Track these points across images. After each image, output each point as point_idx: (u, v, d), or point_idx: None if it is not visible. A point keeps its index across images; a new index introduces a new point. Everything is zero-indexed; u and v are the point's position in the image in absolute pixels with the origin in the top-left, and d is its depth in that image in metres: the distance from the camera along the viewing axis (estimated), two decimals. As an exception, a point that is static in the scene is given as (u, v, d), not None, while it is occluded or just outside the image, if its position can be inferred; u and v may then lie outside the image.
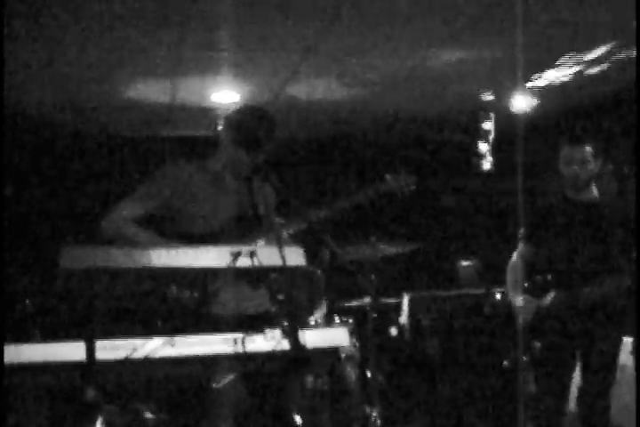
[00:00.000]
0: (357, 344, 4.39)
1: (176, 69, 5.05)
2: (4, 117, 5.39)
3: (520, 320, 3.51)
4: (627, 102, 5.62)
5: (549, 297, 3.46)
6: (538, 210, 3.63)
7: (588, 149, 3.45)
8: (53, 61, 4.78)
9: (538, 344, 3.43)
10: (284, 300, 2.21)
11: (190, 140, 6.66)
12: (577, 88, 5.66)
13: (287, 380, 2.65)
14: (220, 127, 2.97)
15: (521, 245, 3.72)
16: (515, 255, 3.76)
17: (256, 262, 2.15)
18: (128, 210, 2.83)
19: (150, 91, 5.56)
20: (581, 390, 3.52)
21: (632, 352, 2.96)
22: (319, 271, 4.18)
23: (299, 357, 2.12)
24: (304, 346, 2.13)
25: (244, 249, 2.17)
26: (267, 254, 2.20)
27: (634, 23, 3.97)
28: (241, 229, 2.87)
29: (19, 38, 4.26)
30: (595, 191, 3.57)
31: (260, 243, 2.79)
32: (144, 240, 2.74)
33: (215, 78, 5.29)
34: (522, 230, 3.69)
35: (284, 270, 2.19)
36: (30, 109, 5.85)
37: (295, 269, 2.22)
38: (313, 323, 4.41)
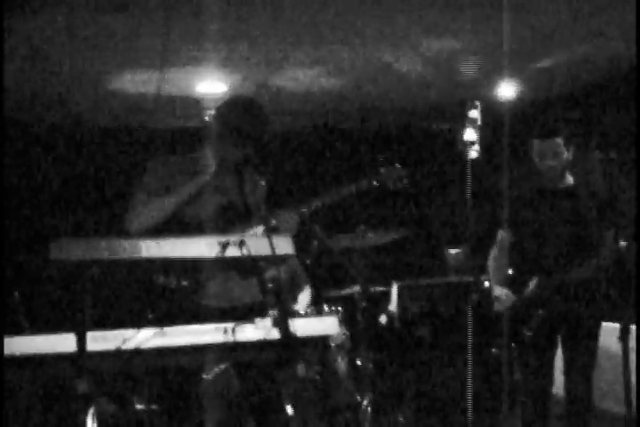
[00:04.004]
0: (347, 333, 4.41)
1: (162, 60, 5.03)
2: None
3: (498, 310, 3.58)
4: (613, 89, 5.66)
5: (532, 283, 3.51)
6: (515, 200, 3.67)
7: (559, 140, 3.46)
8: (39, 53, 4.75)
9: (528, 332, 3.47)
10: (274, 289, 2.22)
11: (177, 130, 6.63)
12: (563, 76, 5.68)
13: (278, 369, 2.66)
14: (207, 118, 2.95)
15: (500, 235, 3.76)
16: (495, 247, 3.80)
17: (245, 252, 2.16)
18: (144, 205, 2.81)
19: (136, 81, 5.54)
20: (564, 373, 3.58)
21: (620, 338, 2.97)
22: (296, 258, 4.15)
23: (289, 345, 2.14)
24: (294, 335, 2.14)
25: (233, 239, 2.18)
26: (256, 244, 2.21)
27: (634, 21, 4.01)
28: (230, 220, 2.87)
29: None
30: (570, 179, 3.61)
31: (250, 233, 2.79)
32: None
33: (201, 69, 5.28)
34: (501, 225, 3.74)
35: (273, 259, 2.20)
36: (14, 101, 5.81)
37: (284, 257, 2.23)
38: (302, 312, 4.42)
